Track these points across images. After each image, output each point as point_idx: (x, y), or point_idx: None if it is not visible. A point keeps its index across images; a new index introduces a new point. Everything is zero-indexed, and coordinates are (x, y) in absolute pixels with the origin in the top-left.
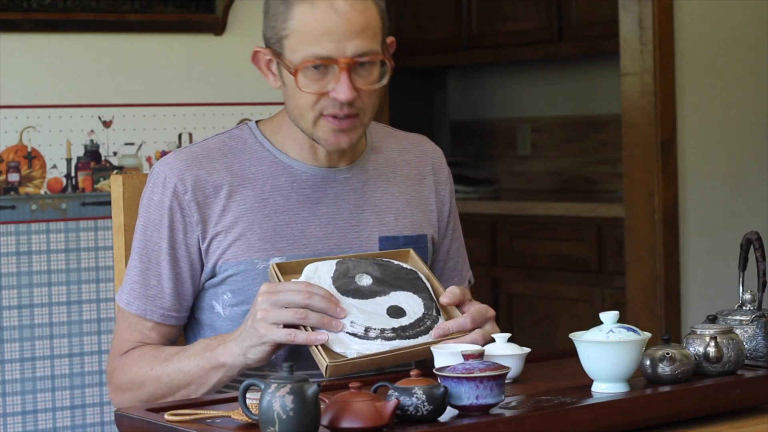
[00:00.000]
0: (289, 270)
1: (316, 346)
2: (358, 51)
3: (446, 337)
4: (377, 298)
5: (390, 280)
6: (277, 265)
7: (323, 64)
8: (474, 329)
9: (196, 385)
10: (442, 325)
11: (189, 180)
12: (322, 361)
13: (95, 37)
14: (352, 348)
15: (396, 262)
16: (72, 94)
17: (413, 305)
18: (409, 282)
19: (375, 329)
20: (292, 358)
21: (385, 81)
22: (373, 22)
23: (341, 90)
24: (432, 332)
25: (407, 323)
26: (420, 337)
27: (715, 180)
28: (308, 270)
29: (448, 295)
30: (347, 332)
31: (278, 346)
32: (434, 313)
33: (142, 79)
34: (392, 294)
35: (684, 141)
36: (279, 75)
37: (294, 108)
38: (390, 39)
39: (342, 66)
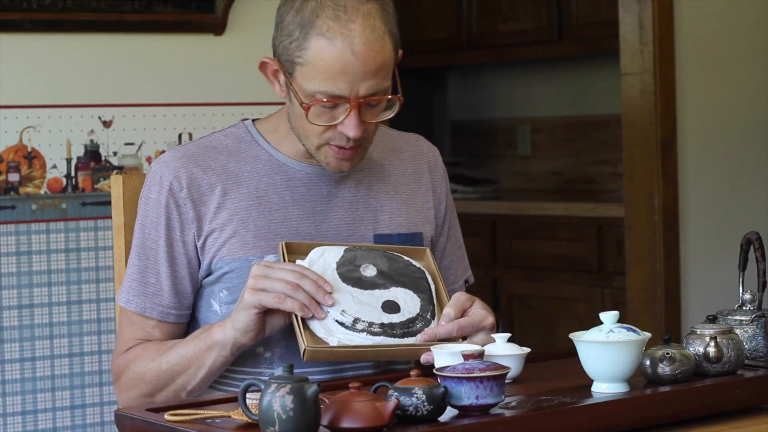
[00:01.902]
0: (298, 250)
1: (299, 327)
2: (370, 91)
3: (420, 345)
4: (376, 291)
5: (394, 275)
6: (286, 244)
7: (334, 103)
8: (461, 338)
9: (194, 368)
10: (429, 330)
11: (184, 178)
12: (302, 343)
13: (95, 37)
14: (335, 336)
15: (406, 258)
16: (72, 94)
17: (410, 304)
18: (413, 280)
19: (363, 321)
20: (290, 356)
21: (391, 115)
22: (387, 60)
23: (350, 127)
24: (419, 336)
25: (397, 321)
26: (406, 338)
27: (715, 180)
28: (314, 253)
29: (445, 328)
30: (335, 320)
31: (264, 317)
32: (428, 316)
33: (142, 79)
34: (392, 289)
35: (684, 141)
36: (286, 89)
37: (299, 128)
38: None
39: (353, 105)
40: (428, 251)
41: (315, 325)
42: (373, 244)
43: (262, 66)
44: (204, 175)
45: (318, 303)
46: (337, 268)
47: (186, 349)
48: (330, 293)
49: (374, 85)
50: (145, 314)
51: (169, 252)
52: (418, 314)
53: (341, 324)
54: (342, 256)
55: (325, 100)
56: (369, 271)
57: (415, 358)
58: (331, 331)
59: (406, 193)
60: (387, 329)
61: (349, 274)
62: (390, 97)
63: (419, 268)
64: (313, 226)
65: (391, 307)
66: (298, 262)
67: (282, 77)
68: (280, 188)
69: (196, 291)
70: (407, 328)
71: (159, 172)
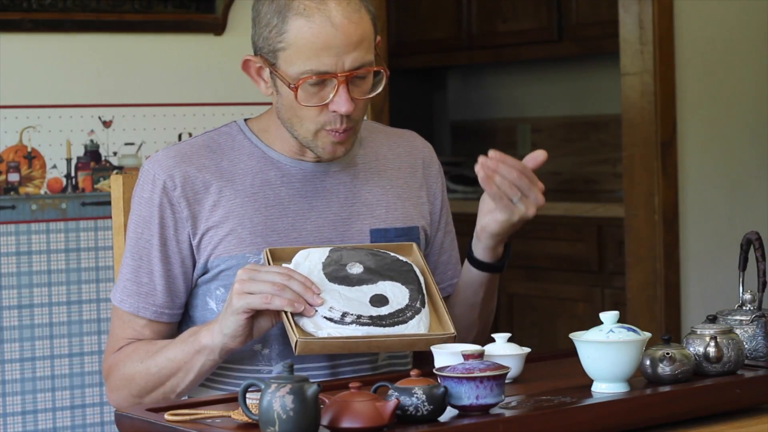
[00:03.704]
0: (283, 256)
1: (290, 321)
2: (355, 64)
3: (414, 336)
4: (363, 286)
5: (381, 270)
6: (270, 250)
7: (321, 79)
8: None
9: (183, 372)
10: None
11: (178, 176)
12: (293, 336)
13: (95, 37)
14: (325, 331)
15: (393, 254)
16: (72, 94)
17: (398, 295)
18: (401, 273)
19: (352, 315)
20: (288, 353)
21: (380, 89)
22: (367, 32)
23: (340, 103)
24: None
25: (386, 312)
26: (396, 327)
27: (715, 180)
28: (299, 256)
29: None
30: (323, 316)
31: (253, 320)
32: (418, 305)
33: (142, 79)
34: (380, 283)
35: (684, 141)
36: (272, 83)
37: (292, 117)
38: (376, 39)
39: (340, 80)
40: (415, 246)
41: (304, 322)
42: (359, 243)
43: (245, 65)
44: (198, 173)
45: (306, 302)
46: (323, 269)
47: (174, 353)
48: (318, 294)
49: (358, 57)
50: (138, 314)
51: (163, 251)
52: (407, 305)
53: (330, 319)
54: (327, 257)
55: (312, 77)
56: (355, 268)
57: (408, 350)
58: (320, 327)
59: (402, 187)
60: (376, 320)
61: (336, 273)
62: (376, 68)
63: (406, 262)
64: (309, 222)
65: (379, 300)
66: (284, 265)
67: (266, 73)
68: (275, 184)
69: (190, 290)
70: (396, 317)
71: (152, 171)
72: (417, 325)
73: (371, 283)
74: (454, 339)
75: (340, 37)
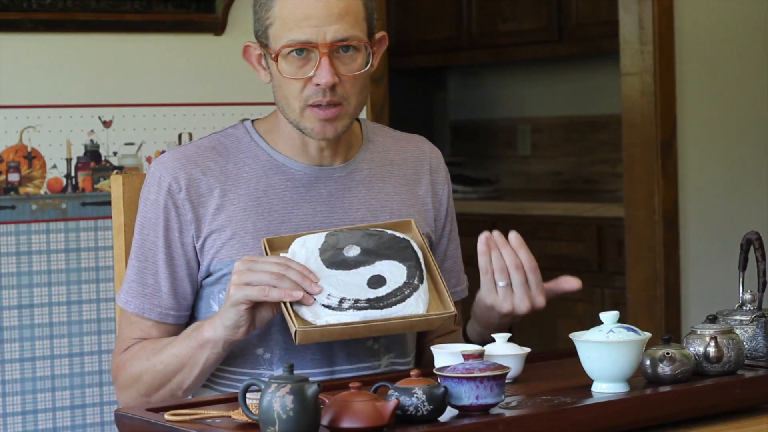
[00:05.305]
0: (280, 245)
1: (289, 312)
2: (337, 36)
3: (413, 317)
4: (360, 269)
5: (378, 249)
6: (268, 240)
7: (305, 49)
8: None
9: (189, 367)
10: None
11: (183, 179)
12: (292, 326)
13: (95, 37)
14: (323, 319)
15: (390, 232)
16: (72, 94)
17: (396, 274)
18: (398, 251)
19: (349, 300)
20: (289, 358)
21: (367, 67)
22: (354, 8)
23: (321, 74)
24: (416, 296)
25: (384, 293)
26: (394, 307)
27: (715, 180)
28: (296, 244)
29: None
30: (322, 304)
31: (254, 311)
32: (416, 281)
33: (142, 79)
34: (377, 264)
35: (684, 141)
36: (268, 68)
37: (281, 98)
38: (380, 34)
39: (322, 51)
40: (413, 222)
41: (302, 311)
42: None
43: (246, 52)
44: (203, 176)
45: (305, 290)
46: (320, 255)
47: (179, 349)
48: (316, 282)
49: (341, 30)
50: (143, 315)
51: (168, 253)
52: (405, 282)
53: (327, 307)
54: (324, 242)
55: (293, 46)
56: (352, 251)
57: (409, 331)
58: (318, 315)
59: (406, 194)
60: (373, 302)
61: (333, 258)
62: (362, 42)
63: (404, 238)
64: (312, 227)
65: (377, 281)
66: (282, 254)
67: (264, 60)
68: (279, 189)
69: (196, 292)
70: (394, 297)
71: (158, 173)
72: (415, 303)
73: (368, 264)
74: (455, 318)
75: (322, 8)
